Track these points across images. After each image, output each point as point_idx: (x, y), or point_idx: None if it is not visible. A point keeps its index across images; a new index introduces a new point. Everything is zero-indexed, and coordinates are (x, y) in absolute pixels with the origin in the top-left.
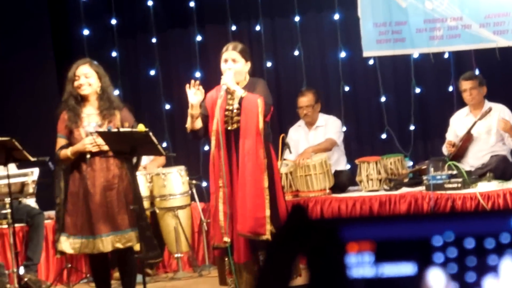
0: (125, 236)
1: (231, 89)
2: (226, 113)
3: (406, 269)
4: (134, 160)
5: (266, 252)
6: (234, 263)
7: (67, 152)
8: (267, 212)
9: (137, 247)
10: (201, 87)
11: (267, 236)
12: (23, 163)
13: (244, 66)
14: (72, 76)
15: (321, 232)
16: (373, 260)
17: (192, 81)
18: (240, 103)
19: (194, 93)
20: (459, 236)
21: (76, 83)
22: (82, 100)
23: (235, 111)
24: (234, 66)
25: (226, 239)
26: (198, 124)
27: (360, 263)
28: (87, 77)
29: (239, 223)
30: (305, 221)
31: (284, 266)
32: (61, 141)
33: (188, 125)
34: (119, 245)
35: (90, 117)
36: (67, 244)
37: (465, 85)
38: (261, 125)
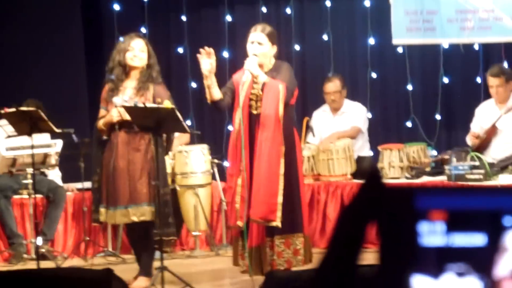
0: (140, 209)
1: (254, 75)
2: (251, 96)
3: (477, 239)
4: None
5: (339, 217)
6: (247, 246)
7: (100, 122)
8: (279, 199)
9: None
10: (212, 55)
11: (277, 222)
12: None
13: (270, 50)
14: (125, 47)
15: (394, 199)
16: (445, 230)
17: (204, 49)
18: (262, 89)
19: (210, 63)
20: None
21: (130, 54)
22: (127, 71)
23: (259, 95)
24: (259, 49)
25: (240, 223)
26: (217, 94)
27: (432, 232)
28: (141, 51)
29: (251, 209)
30: (379, 188)
31: (357, 232)
32: (101, 112)
33: (207, 95)
34: (134, 218)
35: (126, 90)
36: (104, 215)
37: (492, 81)
38: (281, 112)
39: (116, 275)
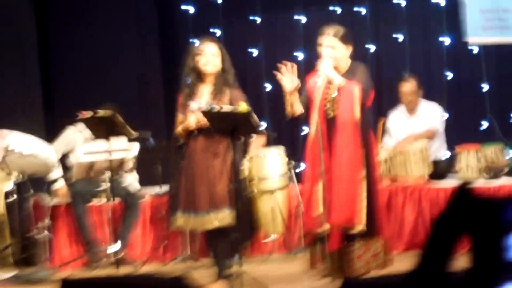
0: (220, 214)
1: (329, 78)
2: (327, 97)
3: None
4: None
5: (431, 230)
6: (327, 250)
7: (179, 128)
8: (363, 203)
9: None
10: (294, 70)
11: (361, 226)
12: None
13: (344, 51)
14: (197, 51)
15: (484, 213)
16: None
17: (287, 65)
18: (338, 92)
19: (290, 79)
20: None
21: (202, 60)
22: (202, 76)
23: (334, 97)
24: (333, 53)
25: (327, 226)
26: (299, 109)
27: None
28: (213, 56)
29: (333, 213)
30: (470, 200)
31: (448, 243)
32: (179, 117)
33: (288, 110)
34: (216, 223)
35: (203, 95)
36: (182, 220)
37: None
38: (357, 114)
39: (190, 283)
